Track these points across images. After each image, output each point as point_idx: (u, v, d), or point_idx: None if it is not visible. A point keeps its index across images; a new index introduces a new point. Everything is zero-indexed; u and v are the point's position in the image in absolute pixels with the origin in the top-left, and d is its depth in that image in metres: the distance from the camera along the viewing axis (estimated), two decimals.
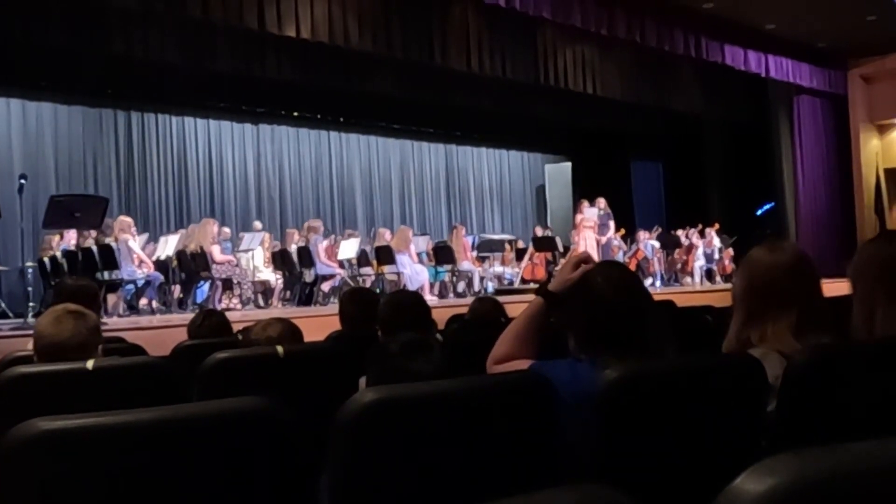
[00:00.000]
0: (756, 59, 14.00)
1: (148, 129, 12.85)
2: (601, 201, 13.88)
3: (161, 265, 10.15)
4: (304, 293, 11.16)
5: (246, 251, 11.03)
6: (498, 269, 13.78)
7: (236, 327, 3.87)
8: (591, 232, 13.40)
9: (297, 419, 1.42)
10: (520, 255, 14.16)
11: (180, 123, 13.23)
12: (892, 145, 16.16)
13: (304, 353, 2.82)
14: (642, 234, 14.45)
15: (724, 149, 16.54)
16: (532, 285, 12.30)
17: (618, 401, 1.62)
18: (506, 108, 14.13)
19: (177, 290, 10.47)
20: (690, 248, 14.75)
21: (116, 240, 9.46)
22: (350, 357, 2.65)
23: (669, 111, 14.70)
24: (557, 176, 17.44)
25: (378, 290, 9.87)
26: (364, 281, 11.43)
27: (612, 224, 13.89)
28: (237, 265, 10.78)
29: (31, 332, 2.82)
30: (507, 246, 14.19)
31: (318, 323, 5.91)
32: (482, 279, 13.07)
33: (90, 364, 2.35)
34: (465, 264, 12.66)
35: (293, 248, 11.29)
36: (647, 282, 12.79)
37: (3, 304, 9.55)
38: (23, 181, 7.75)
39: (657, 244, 14.52)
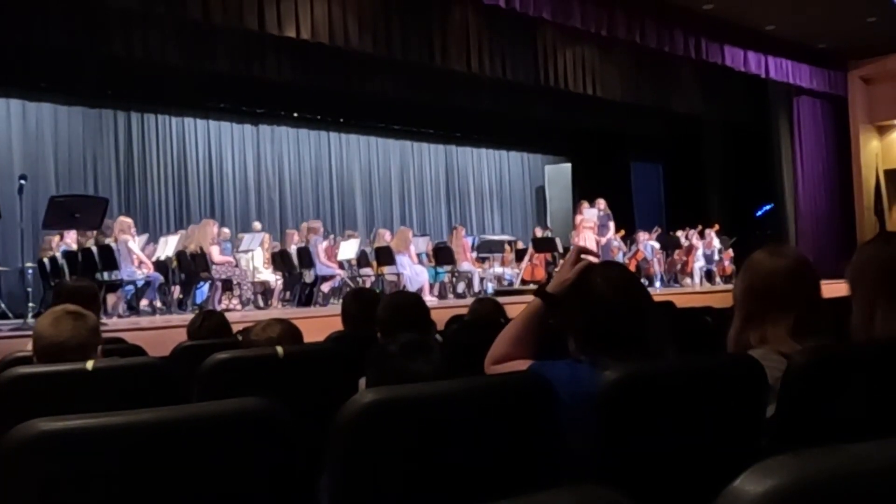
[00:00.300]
0: (756, 60, 14.00)
1: (148, 130, 12.85)
2: (601, 202, 13.89)
3: (161, 266, 10.15)
4: (303, 294, 11.16)
5: (246, 252, 11.03)
6: (498, 269, 13.78)
7: (236, 328, 3.87)
8: (591, 233, 13.40)
9: (296, 420, 1.42)
10: (520, 255, 14.16)
11: (180, 124, 13.23)
12: (891, 146, 16.16)
13: (304, 353, 2.82)
14: (642, 235, 14.45)
15: (723, 150, 16.54)
16: (532, 286, 12.30)
17: (617, 401, 1.62)
18: (506, 108, 14.13)
19: (176, 291, 10.47)
20: (690, 249, 14.75)
21: (116, 240, 9.47)
22: (350, 358, 2.65)
23: (669, 112, 14.70)
24: (557, 177, 17.44)
25: (378, 291, 9.87)
26: (364, 282, 11.43)
27: (611, 225, 13.90)
28: (236, 266, 10.78)
29: (30, 332, 2.81)
30: (507, 247, 14.19)
31: (318, 324, 5.91)
32: (482, 280, 13.08)
33: (90, 365, 2.35)
34: (465, 265, 12.67)
35: (293, 249, 11.29)
36: (647, 283, 12.80)
37: (2, 305, 9.54)
38: (23, 182, 7.75)
39: (657, 245, 14.53)
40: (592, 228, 13.47)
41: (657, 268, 14.32)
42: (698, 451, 1.70)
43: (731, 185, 16.51)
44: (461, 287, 12.77)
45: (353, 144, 15.29)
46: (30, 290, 8.91)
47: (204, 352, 2.64)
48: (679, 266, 14.85)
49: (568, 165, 17.48)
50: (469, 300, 7.30)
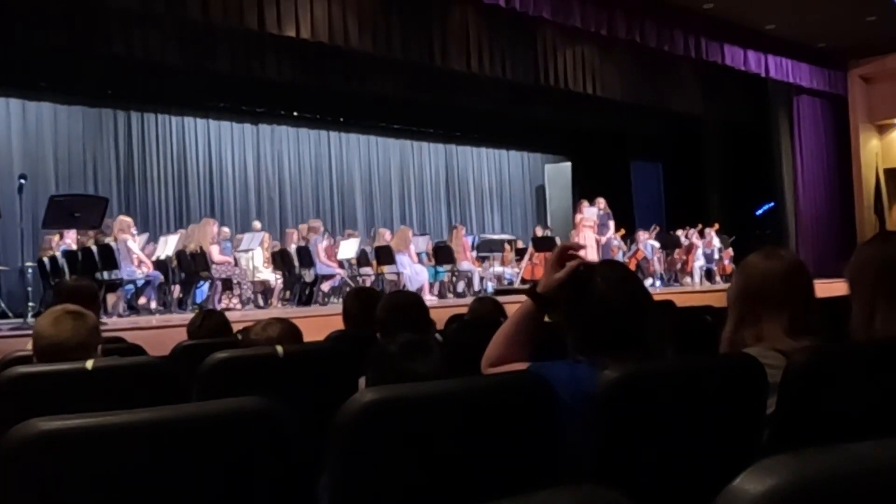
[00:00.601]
0: (756, 60, 14.00)
1: (148, 130, 12.85)
2: (601, 201, 13.89)
3: (161, 265, 10.15)
4: (303, 293, 11.16)
5: (245, 251, 11.03)
6: (498, 269, 13.78)
7: (236, 327, 3.87)
8: (591, 232, 13.41)
9: (296, 419, 1.42)
10: (520, 255, 14.16)
11: (180, 123, 13.23)
12: (891, 145, 16.16)
13: (304, 353, 2.82)
14: (642, 235, 14.45)
15: (723, 149, 16.53)
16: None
17: (617, 401, 1.62)
18: (506, 108, 14.13)
19: (176, 290, 10.47)
20: (690, 248, 14.75)
21: (116, 240, 9.47)
22: (350, 357, 2.65)
23: (669, 111, 14.70)
24: (557, 176, 17.44)
25: (378, 290, 9.86)
26: (364, 281, 11.43)
27: (611, 224, 13.90)
28: (236, 265, 10.78)
29: (30, 331, 2.82)
30: (507, 246, 14.19)
31: (318, 323, 5.91)
32: (482, 279, 13.08)
33: (90, 364, 2.35)
34: (465, 264, 12.67)
35: (293, 249, 11.29)
36: (647, 282, 12.80)
37: (2, 304, 9.55)
38: (22, 181, 7.75)
39: (657, 244, 14.53)
40: (592, 227, 13.48)
41: (657, 267, 14.32)
42: (698, 450, 1.70)
43: (731, 185, 16.50)
44: (461, 286, 12.77)
45: (352, 144, 15.29)
46: (30, 289, 8.90)
47: (204, 351, 2.64)
48: (679, 265, 14.86)
49: (568, 165, 17.48)
50: (469, 299, 7.29)
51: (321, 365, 2.72)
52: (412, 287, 10.61)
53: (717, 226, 15.09)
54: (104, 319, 7.22)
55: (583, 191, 15.60)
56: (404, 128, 15.59)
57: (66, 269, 9.10)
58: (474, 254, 13.27)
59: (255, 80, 11.78)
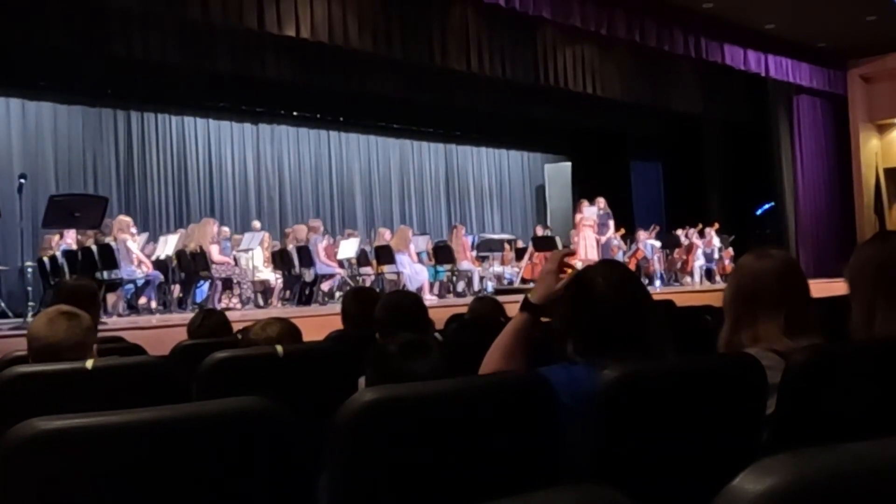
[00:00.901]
0: (756, 59, 14.00)
1: (148, 129, 12.85)
2: (601, 201, 13.89)
3: (161, 265, 10.15)
4: (303, 293, 11.16)
5: (245, 251, 11.03)
6: (497, 268, 13.79)
7: (236, 327, 3.87)
8: (591, 231, 13.41)
9: (296, 419, 1.42)
10: (519, 254, 14.17)
11: (180, 123, 13.22)
12: (891, 145, 16.16)
13: (304, 352, 2.82)
14: (642, 234, 14.46)
15: (723, 148, 16.54)
16: (532, 285, 12.30)
17: (617, 401, 1.62)
18: (506, 108, 14.13)
19: (176, 290, 10.47)
20: (690, 247, 14.75)
21: (115, 239, 9.47)
22: (349, 357, 2.65)
23: (669, 111, 14.70)
24: (557, 176, 17.44)
25: (378, 290, 9.87)
26: (364, 280, 11.43)
27: (611, 224, 13.90)
28: (235, 265, 10.79)
29: None
30: (507, 246, 14.19)
31: (318, 322, 5.91)
32: (482, 279, 13.08)
33: (89, 364, 2.35)
34: (465, 264, 12.67)
35: (292, 248, 11.29)
36: (647, 281, 12.80)
37: (2, 304, 9.55)
38: (22, 181, 7.75)
39: (657, 244, 14.53)
40: (592, 227, 13.48)
41: (657, 266, 14.32)
42: (698, 450, 1.70)
43: (731, 184, 16.51)
44: (461, 286, 12.77)
45: (352, 143, 15.29)
46: (30, 289, 8.91)
47: (203, 351, 2.64)
48: (679, 265, 14.86)
49: (568, 164, 17.48)
50: (469, 299, 7.30)
51: (321, 365, 2.72)
52: (412, 287, 10.62)
53: (717, 225, 15.09)
54: (104, 319, 7.22)
55: (583, 190, 15.59)
56: (404, 127, 15.58)
57: (66, 269, 9.09)
58: (474, 253, 13.27)
59: (254, 80, 11.78)
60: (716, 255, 14.84)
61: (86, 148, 12.14)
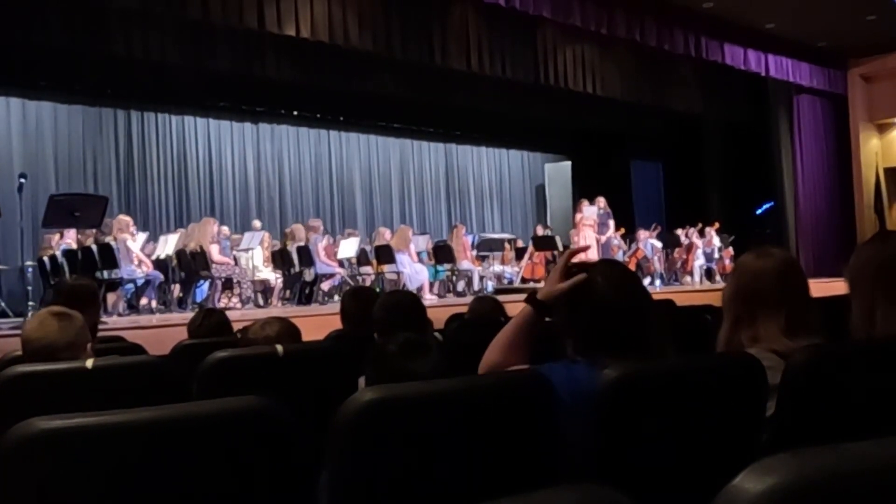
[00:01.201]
0: (756, 59, 14.00)
1: (148, 129, 12.85)
2: (601, 200, 13.88)
3: (161, 264, 10.15)
4: (303, 292, 11.16)
5: (245, 250, 11.03)
6: (498, 268, 13.78)
7: (236, 326, 3.87)
8: (591, 231, 13.40)
9: (295, 418, 1.42)
10: (519, 254, 14.17)
11: (180, 123, 13.23)
12: (891, 144, 16.16)
13: (304, 352, 2.82)
14: (642, 234, 14.45)
15: (723, 148, 16.53)
16: (532, 284, 12.32)
17: (617, 400, 1.62)
18: (506, 107, 14.12)
19: (176, 290, 10.47)
20: (690, 247, 14.75)
21: (115, 239, 9.47)
22: (349, 356, 2.65)
23: (669, 110, 14.70)
24: (557, 175, 17.44)
25: (378, 290, 9.87)
26: (364, 280, 11.43)
27: (611, 223, 13.90)
28: (236, 265, 10.79)
29: None
30: (507, 245, 14.19)
31: (318, 322, 5.91)
32: (482, 278, 13.08)
33: (89, 363, 2.35)
34: (465, 263, 12.67)
35: (292, 248, 11.29)
36: (647, 281, 12.80)
37: (2, 304, 9.54)
38: (22, 180, 7.74)
39: (658, 243, 14.53)
40: (592, 226, 13.47)
41: (657, 266, 14.32)
42: (698, 449, 1.70)
43: (731, 184, 16.50)
44: (461, 285, 12.77)
45: (352, 143, 15.29)
46: (30, 288, 8.89)
47: (204, 350, 2.64)
48: (679, 264, 14.86)
49: (568, 164, 17.47)
50: (469, 299, 7.30)
51: (321, 364, 2.72)
52: (412, 286, 10.62)
53: (717, 225, 15.09)
54: (104, 318, 7.22)
55: (583, 190, 15.59)
56: (404, 127, 15.59)
57: (66, 269, 9.10)
58: (474, 253, 13.27)
59: (254, 80, 11.77)
60: (716, 255, 14.84)
61: (86, 147, 12.14)
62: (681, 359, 1.97)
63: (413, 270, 11.41)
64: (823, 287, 8.14)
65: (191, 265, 10.17)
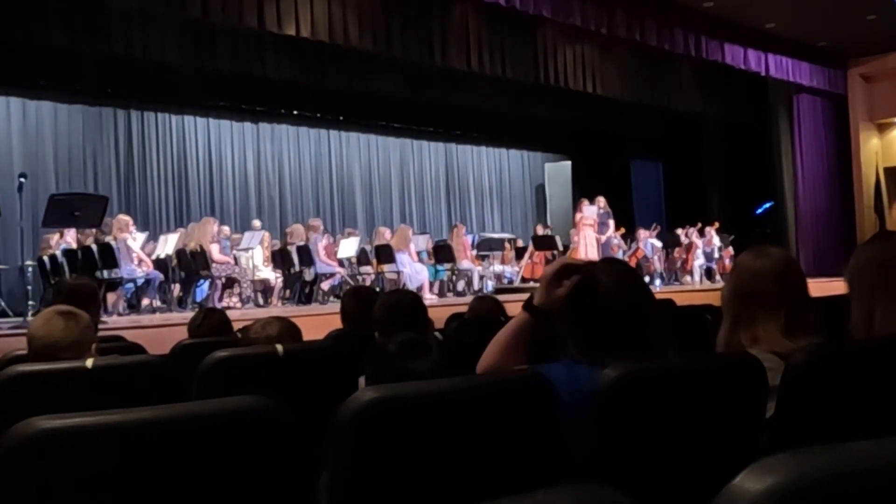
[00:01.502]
0: (756, 58, 14.00)
1: (148, 128, 12.85)
2: (601, 200, 13.89)
3: (161, 264, 10.15)
4: (303, 292, 11.16)
5: (245, 250, 11.03)
6: (498, 267, 13.78)
7: (236, 326, 3.87)
8: (591, 230, 13.41)
9: (296, 418, 1.42)
10: (520, 253, 14.17)
11: (180, 122, 13.22)
12: (891, 144, 16.16)
13: (304, 351, 2.82)
14: (642, 233, 14.46)
15: (723, 148, 16.54)
16: (532, 284, 12.32)
17: (618, 399, 1.62)
18: (506, 106, 14.13)
19: (176, 289, 10.47)
20: (690, 246, 14.75)
21: (115, 238, 9.47)
22: (349, 356, 2.64)
23: (669, 110, 14.70)
24: (557, 175, 17.44)
25: (378, 289, 9.86)
26: (364, 280, 11.43)
27: (611, 223, 13.90)
28: (236, 264, 10.79)
29: None
30: (507, 245, 14.19)
31: (318, 322, 5.91)
32: (482, 278, 13.08)
33: (89, 363, 2.35)
34: (465, 263, 12.67)
35: (292, 247, 11.29)
36: (647, 280, 12.79)
37: (2, 303, 9.55)
38: (22, 180, 7.74)
39: (658, 243, 14.53)
40: (592, 226, 13.47)
41: (657, 266, 14.32)
42: (698, 448, 1.70)
43: (731, 183, 16.51)
44: (461, 285, 12.77)
45: (352, 142, 15.29)
46: (30, 288, 8.89)
47: (204, 350, 2.64)
48: (679, 264, 14.86)
49: (568, 163, 17.47)
50: (469, 298, 7.30)
51: (321, 364, 2.72)
52: (412, 286, 10.62)
53: (716, 224, 15.09)
54: (104, 318, 7.22)
55: (583, 189, 15.59)
56: (404, 126, 15.58)
57: (66, 268, 9.10)
58: (474, 252, 13.27)
59: (254, 79, 11.78)
60: (716, 255, 14.84)
61: (86, 147, 12.14)
62: (681, 359, 1.97)
63: (413, 270, 11.41)
64: (823, 287, 8.14)
65: (191, 265, 10.17)
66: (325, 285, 11.36)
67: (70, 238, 9.69)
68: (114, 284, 9.29)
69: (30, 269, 9.49)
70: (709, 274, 14.75)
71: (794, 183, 15.73)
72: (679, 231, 14.88)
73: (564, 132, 16.85)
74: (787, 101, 15.73)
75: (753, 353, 1.90)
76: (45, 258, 9.67)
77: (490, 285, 13.02)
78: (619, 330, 1.87)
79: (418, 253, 12.20)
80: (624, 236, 14.32)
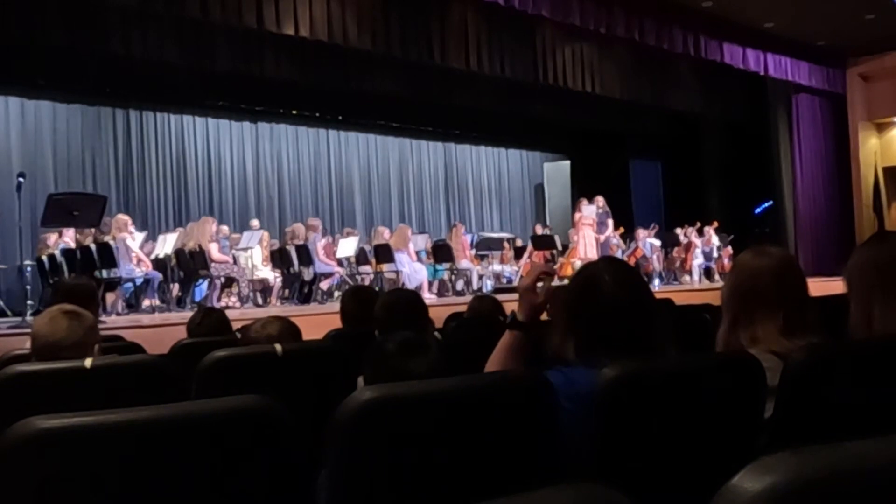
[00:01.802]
0: (755, 58, 14.00)
1: (147, 128, 12.85)
2: (600, 199, 13.89)
3: (160, 263, 10.15)
4: (302, 291, 11.16)
5: (244, 249, 11.03)
6: (497, 267, 13.78)
7: (235, 326, 3.87)
8: (590, 230, 13.40)
9: (295, 417, 1.42)
10: (519, 253, 14.17)
11: (179, 122, 13.22)
12: (890, 144, 16.16)
13: (303, 351, 2.82)
14: (641, 233, 14.46)
15: (722, 147, 16.54)
16: None
17: (617, 399, 1.62)
18: (505, 106, 14.12)
19: (175, 289, 10.46)
20: (689, 246, 14.76)
21: (114, 238, 9.46)
22: (348, 355, 2.64)
23: (668, 110, 14.70)
24: (556, 174, 17.44)
25: (377, 289, 9.86)
26: (363, 279, 11.43)
27: (610, 222, 13.90)
28: (234, 264, 10.79)
29: (29, 330, 2.82)
30: (506, 244, 14.18)
31: (317, 321, 5.91)
32: (481, 277, 13.07)
33: (88, 362, 2.35)
34: (464, 262, 12.66)
35: (291, 247, 11.29)
36: (646, 280, 12.79)
37: (1, 303, 9.54)
38: (21, 179, 7.74)
39: (657, 242, 14.53)
40: (591, 226, 13.47)
41: (656, 265, 14.32)
42: (698, 448, 1.70)
43: (730, 183, 16.51)
44: (460, 285, 12.77)
45: (352, 142, 15.29)
46: (28, 287, 8.89)
47: (203, 349, 2.64)
48: (678, 263, 14.86)
49: (567, 163, 17.48)
50: (468, 298, 7.29)
51: (320, 363, 2.72)
52: (411, 285, 10.61)
53: (716, 224, 15.09)
54: (103, 318, 7.22)
55: (582, 189, 15.60)
56: (403, 126, 15.58)
57: (65, 268, 9.09)
58: (473, 252, 13.27)
59: (253, 79, 11.77)
60: (715, 254, 14.84)
61: (85, 146, 12.14)
62: (680, 358, 1.97)
63: (412, 269, 11.41)
64: (822, 286, 8.13)
65: (190, 264, 10.16)
66: (324, 285, 11.36)
67: (69, 238, 9.68)
68: (113, 284, 9.28)
69: (28, 268, 9.49)
70: (708, 273, 14.75)
71: (792, 182, 15.73)
72: (678, 230, 14.89)
73: (563, 132, 16.84)
74: (786, 100, 15.73)
75: (752, 352, 1.90)
76: (44, 258, 9.67)
77: (489, 285, 13.01)
78: (622, 328, 1.87)
79: (417, 252, 12.20)
80: (623, 236, 14.32)
